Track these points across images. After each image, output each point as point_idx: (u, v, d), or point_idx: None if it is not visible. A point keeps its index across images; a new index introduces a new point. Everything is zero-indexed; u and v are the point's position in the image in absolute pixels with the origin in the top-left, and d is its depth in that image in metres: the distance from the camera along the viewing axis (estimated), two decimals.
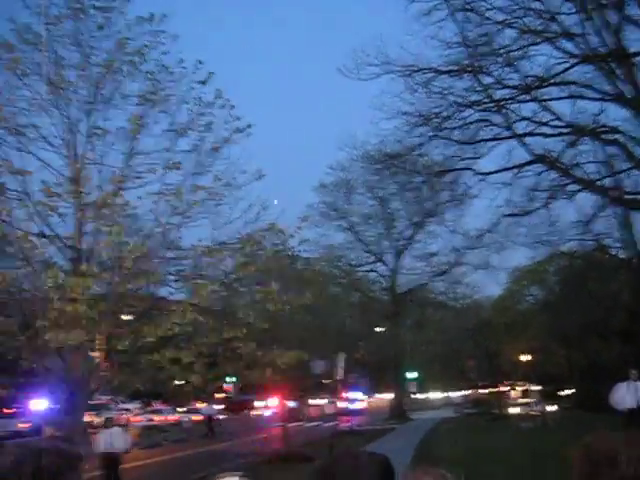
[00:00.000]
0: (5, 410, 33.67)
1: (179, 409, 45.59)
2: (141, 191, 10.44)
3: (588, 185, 31.31)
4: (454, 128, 30.72)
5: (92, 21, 10.44)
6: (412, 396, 72.01)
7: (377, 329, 44.75)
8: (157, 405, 43.41)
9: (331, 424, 25.17)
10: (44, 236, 9.78)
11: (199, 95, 10.57)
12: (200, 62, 10.54)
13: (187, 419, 42.21)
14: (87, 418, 11.21)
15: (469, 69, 29.69)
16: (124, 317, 11.67)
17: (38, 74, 10.09)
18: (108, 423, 16.09)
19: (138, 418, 38.68)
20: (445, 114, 30.21)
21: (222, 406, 50.58)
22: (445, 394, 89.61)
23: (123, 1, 10.44)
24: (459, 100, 30.31)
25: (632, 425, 14.77)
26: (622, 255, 39.14)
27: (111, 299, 9.97)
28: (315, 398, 68.56)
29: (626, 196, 31.69)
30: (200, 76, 10.54)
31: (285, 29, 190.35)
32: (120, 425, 20.36)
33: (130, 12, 10.58)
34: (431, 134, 30.42)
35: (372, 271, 50.59)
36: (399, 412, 48.62)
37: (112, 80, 10.46)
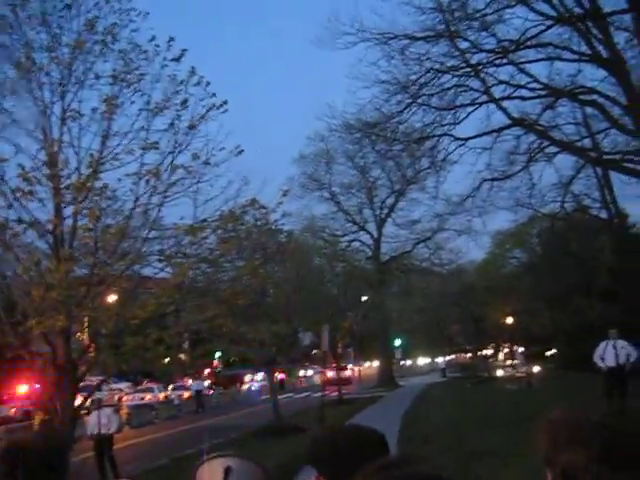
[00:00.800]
0: None
1: (169, 387, 45.75)
2: (119, 172, 10.36)
3: (567, 146, 31.44)
4: (432, 94, 30.64)
5: (59, 0, 10.26)
6: (399, 363, 72.82)
7: (363, 298, 45.02)
8: (147, 384, 43.50)
9: (320, 394, 25.39)
10: (22, 222, 9.70)
11: (173, 73, 10.45)
12: (172, 39, 10.41)
13: (177, 396, 42.39)
14: (78, 400, 11.23)
15: (445, 34, 29.54)
16: (108, 299, 11.66)
17: (6, 57, 9.94)
18: (97, 404, 16.15)
19: (129, 397, 38.82)
20: (422, 80, 30.09)
21: (210, 381, 50.87)
22: (432, 359, 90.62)
23: None
24: (436, 66, 30.18)
25: (612, 382, 15.08)
26: (603, 215, 39.52)
27: (93, 282, 9.94)
28: (304, 369, 69.15)
29: (605, 156, 31.89)
30: (173, 53, 10.42)
31: (256, 6, 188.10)
32: (111, 406, 20.45)
33: None
34: (409, 101, 30.32)
35: (355, 240, 50.82)
36: (387, 379, 49.13)
37: (84, 61, 10.31)
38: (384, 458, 1.42)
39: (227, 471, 1.98)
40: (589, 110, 31.81)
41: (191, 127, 10.45)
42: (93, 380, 17.09)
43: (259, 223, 13.67)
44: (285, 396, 41.95)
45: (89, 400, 12.67)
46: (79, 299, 9.62)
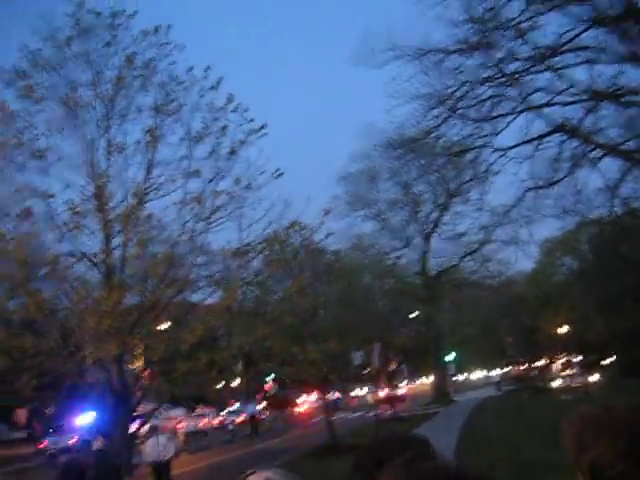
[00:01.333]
0: (53, 427, 34.34)
1: (223, 411, 46.02)
2: (164, 201, 10.61)
3: (611, 150, 30.95)
4: (469, 107, 30.57)
5: (100, 39, 10.60)
6: (452, 378, 71.96)
7: (413, 314, 44.74)
8: (201, 409, 43.84)
9: (373, 413, 25.27)
10: (74, 255, 9.99)
11: (211, 101, 10.68)
12: (208, 68, 10.66)
13: (231, 421, 42.60)
14: (134, 427, 11.43)
15: (479, 45, 29.49)
16: (160, 326, 11.88)
17: (53, 97, 10.29)
18: (153, 431, 16.37)
19: (184, 424, 39.17)
20: (459, 93, 30.07)
21: (264, 404, 50.99)
22: (485, 373, 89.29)
23: (128, 17, 10.57)
24: (471, 78, 30.16)
25: None
26: None
27: (144, 309, 10.14)
28: (356, 389, 68.83)
29: None
30: (210, 82, 10.65)
31: (294, 29, 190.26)
32: (166, 432, 20.68)
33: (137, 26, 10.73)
34: (447, 115, 30.31)
35: (402, 257, 50.58)
36: (441, 395, 48.56)
37: (125, 95, 10.62)
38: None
39: None
40: (632, 111, 31.28)
41: (232, 153, 10.66)
42: (148, 408, 17.37)
43: (305, 243, 13.80)
44: (339, 417, 41.83)
45: (145, 427, 12.86)
46: (131, 326, 9.83)
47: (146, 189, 10.31)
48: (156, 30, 10.63)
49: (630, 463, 1.31)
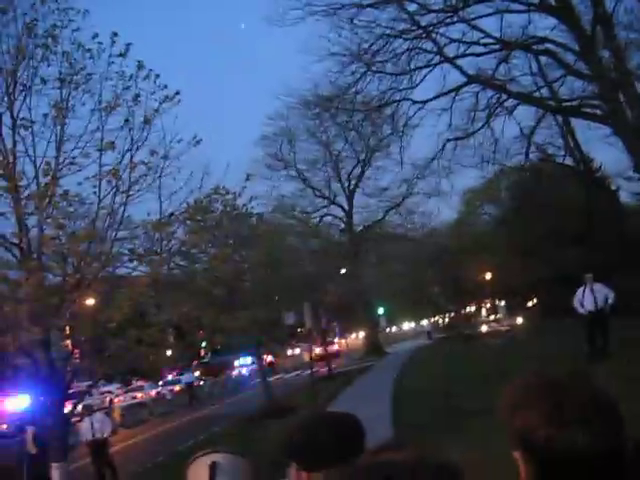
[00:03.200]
0: None
1: (159, 383, 45.69)
2: (79, 176, 10.19)
3: (525, 98, 31.60)
4: (386, 61, 30.61)
5: None
6: (385, 330, 73.38)
7: (341, 271, 45.16)
8: (137, 382, 43.39)
9: (309, 371, 25.55)
10: None
11: (120, 69, 10.26)
12: (115, 34, 10.20)
13: (168, 391, 42.37)
14: (67, 408, 11.16)
15: None
16: (85, 305, 11.55)
17: None
18: (90, 409, 16.11)
19: (120, 398, 38.72)
20: (375, 48, 30.05)
21: (199, 372, 50.90)
22: (417, 324, 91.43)
23: None
24: (387, 32, 30.14)
25: (593, 326, 15.33)
26: (568, 162, 39.87)
27: (66, 290, 9.82)
28: (291, 348, 69.37)
29: (563, 103, 32.10)
30: (117, 49, 10.21)
31: None
32: (102, 409, 20.42)
33: None
34: (363, 70, 30.30)
35: (327, 215, 50.83)
36: (374, 348, 49.49)
37: (27, 66, 10.08)
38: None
39: (213, 467, 1.99)
40: (543, 59, 31.91)
41: (146, 122, 10.29)
42: (81, 386, 17.01)
43: (227, 210, 13.61)
44: (276, 377, 42.16)
45: (79, 406, 12.58)
46: (54, 309, 9.50)
47: (59, 165, 9.87)
48: None
49: (554, 428, 1.32)
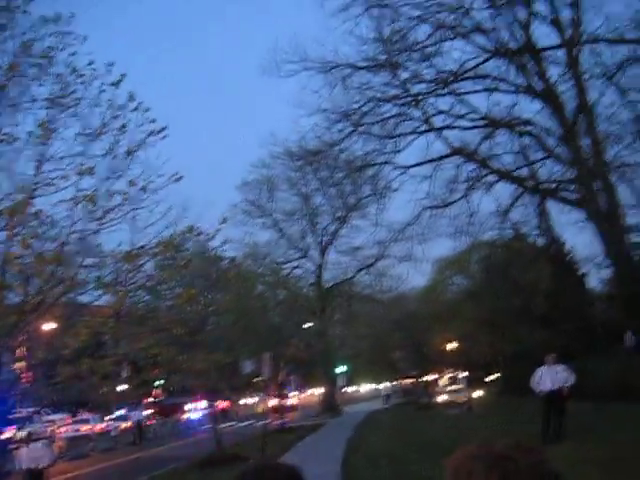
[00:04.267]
0: None
1: (107, 417, 44.56)
2: (55, 197, 10.11)
3: (505, 175, 32.28)
4: (373, 123, 31.20)
5: None
6: (343, 389, 72.71)
7: (306, 325, 44.90)
8: (84, 414, 42.26)
9: (263, 422, 25.12)
10: None
11: (111, 98, 10.29)
12: (111, 64, 10.27)
13: (115, 427, 41.33)
14: (8, 434, 10.81)
15: (386, 64, 30.17)
16: (42, 328, 11.33)
17: None
18: (30, 437, 15.62)
19: (64, 429, 37.63)
20: (364, 109, 30.64)
21: (151, 411, 49.79)
22: (375, 386, 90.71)
23: (26, 1, 10.05)
24: (377, 95, 30.81)
25: (550, 407, 15.33)
26: (540, 242, 40.47)
27: (25, 310, 9.63)
28: (246, 397, 68.37)
29: (541, 185, 32.81)
30: (112, 78, 10.27)
31: (203, 31, 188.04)
32: (43, 438, 19.79)
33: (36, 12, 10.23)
34: (351, 129, 30.83)
35: (298, 267, 50.78)
36: (330, 406, 48.94)
37: (18, 83, 10.07)
38: None
39: None
40: (526, 140, 32.75)
41: (129, 153, 10.28)
42: (25, 412, 16.56)
43: (200, 250, 13.57)
44: (228, 425, 41.36)
45: (21, 432, 12.22)
46: (10, 328, 9.30)
47: (35, 184, 9.79)
48: (57, 18, 10.14)
49: None
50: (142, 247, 10.62)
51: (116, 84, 10.37)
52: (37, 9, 10.25)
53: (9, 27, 10.13)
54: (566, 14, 28.74)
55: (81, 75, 10.25)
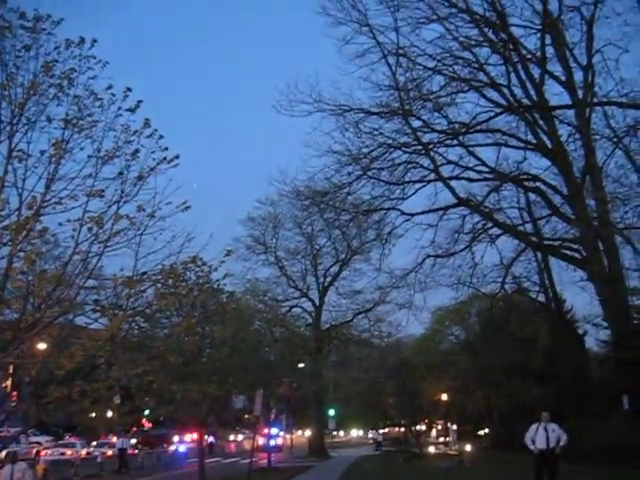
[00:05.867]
0: None
1: (93, 443, 43.98)
2: (62, 217, 10.14)
3: (509, 229, 32.35)
4: (382, 168, 31.39)
5: (19, 41, 10.18)
6: (332, 433, 71.84)
7: (300, 365, 44.56)
8: (69, 438, 41.71)
9: (248, 460, 24.76)
10: None
11: (126, 123, 10.39)
12: (129, 89, 10.39)
13: (100, 453, 40.74)
14: None
15: (399, 112, 30.48)
16: (37, 347, 11.27)
17: None
18: (12, 458, 15.37)
19: (48, 452, 37.10)
20: (374, 154, 30.84)
21: (136, 440, 49.11)
22: (366, 432, 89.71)
23: (52, 23, 10.22)
24: (388, 141, 31.05)
25: (543, 465, 15.14)
26: (541, 298, 40.37)
27: (21, 327, 9.58)
28: (235, 433, 67.57)
29: (545, 242, 32.85)
30: (128, 103, 10.38)
31: (218, 65, 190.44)
32: (27, 460, 19.53)
33: (60, 35, 10.40)
34: (359, 173, 31.00)
35: (297, 306, 50.62)
36: (319, 449, 48.33)
37: (37, 102, 10.18)
38: None
39: None
40: (532, 196, 32.93)
41: (139, 178, 10.35)
42: (9, 432, 16.35)
43: (200, 281, 13.54)
44: (213, 460, 40.80)
45: (2, 452, 12.06)
46: (4, 344, 9.25)
47: (44, 202, 9.83)
48: (81, 41, 10.30)
49: None
50: (144, 273, 10.61)
51: (133, 110, 10.48)
52: (61, 32, 10.43)
53: (33, 47, 10.29)
54: (579, 75, 29.13)
55: (99, 99, 10.37)
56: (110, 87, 10.33)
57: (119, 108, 10.38)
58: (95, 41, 10.44)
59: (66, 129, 10.13)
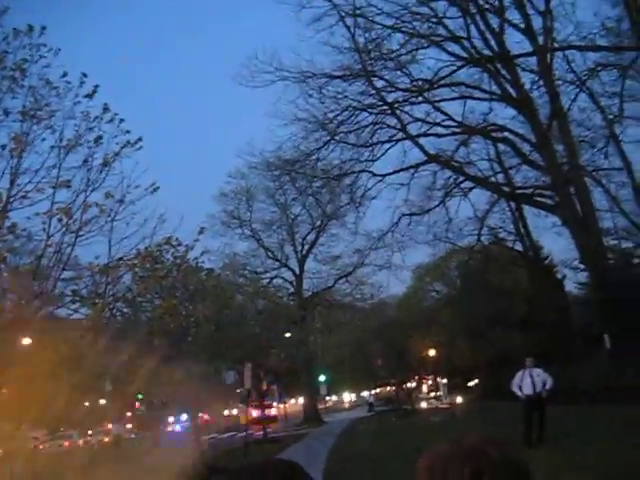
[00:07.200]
0: None
1: (89, 431, 44.10)
2: (30, 211, 10.03)
3: (481, 182, 32.54)
4: (350, 132, 31.31)
5: None
6: (325, 399, 72.59)
7: (286, 335, 44.77)
8: (65, 430, 41.78)
9: (245, 434, 24.99)
10: None
11: (85, 109, 10.26)
12: (84, 75, 10.25)
13: (97, 441, 40.92)
14: None
15: (361, 73, 30.32)
16: (20, 343, 11.22)
17: None
18: (11, 455, 15.40)
19: (46, 445, 37.12)
20: (340, 118, 30.75)
21: (131, 424, 49.35)
22: (357, 394, 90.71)
23: None
24: (353, 104, 30.92)
25: (531, 410, 15.42)
26: (518, 247, 40.81)
27: (2, 326, 9.53)
28: (228, 408, 68.02)
29: (517, 191, 33.10)
30: (85, 90, 10.24)
31: (177, 41, 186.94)
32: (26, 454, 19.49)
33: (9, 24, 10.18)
34: (327, 139, 30.91)
35: (277, 277, 50.69)
36: (313, 416, 48.82)
37: None
38: None
39: None
40: (501, 147, 33.06)
41: (105, 164, 10.26)
42: (4, 429, 16.32)
43: (178, 261, 13.50)
44: (210, 437, 41.12)
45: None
46: None
47: (10, 197, 9.71)
48: (30, 30, 10.10)
49: None
50: (120, 259, 10.58)
51: (90, 96, 10.34)
52: (9, 21, 10.22)
53: None
54: (538, 22, 29.08)
55: (55, 87, 10.22)
56: (65, 75, 10.18)
57: (77, 95, 10.25)
58: (44, 28, 10.26)
59: (24, 121, 10.00)
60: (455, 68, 30.47)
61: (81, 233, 10.10)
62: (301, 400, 64.68)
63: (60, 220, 9.99)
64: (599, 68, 27.38)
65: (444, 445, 1.50)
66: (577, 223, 27.58)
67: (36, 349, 10.32)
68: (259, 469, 1.90)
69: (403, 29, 30.37)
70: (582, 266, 32.72)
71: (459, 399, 45.52)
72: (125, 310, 12.25)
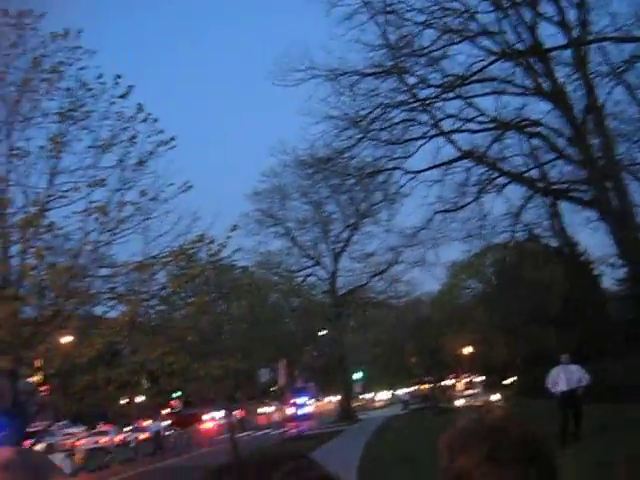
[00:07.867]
0: None
1: (125, 428, 44.67)
2: (67, 210, 10.26)
3: (515, 177, 32.15)
4: (382, 129, 31.17)
5: (5, 39, 10.22)
6: (359, 396, 72.58)
7: (320, 333, 44.90)
8: (102, 426, 42.40)
9: (279, 431, 25.13)
10: None
11: (120, 110, 10.45)
12: (119, 76, 10.44)
13: (134, 438, 41.43)
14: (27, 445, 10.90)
15: (393, 70, 30.19)
16: (59, 340, 11.45)
17: None
18: (50, 449, 15.78)
19: (83, 441, 37.76)
20: (372, 116, 30.63)
21: (169, 422, 49.86)
22: (392, 392, 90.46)
23: (36, 18, 10.24)
24: (385, 101, 30.79)
25: (566, 407, 15.27)
26: (553, 243, 40.29)
27: (41, 322, 9.76)
28: (263, 406, 68.37)
29: (552, 186, 32.67)
30: (120, 90, 10.43)
31: (209, 41, 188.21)
32: (63, 450, 19.97)
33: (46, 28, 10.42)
34: (360, 136, 30.81)
35: (311, 275, 50.81)
36: (347, 413, 48.85)
37: (30, 99, 10.25)
38: None
39: None
40: (536, 142, 32.59)
41: (139, 164, 10.44)
42: (44, 424, 16.69)
43: (211, 259, 13.64)
44: (245, 434, 41.42)
45: (40, 444, 12.34)
46: (26, 340, 9.43)
47: (48, 197, 9.94)
48: (66, 33, 10.32)
49: (491, 467, 1.36)
50: (154, 257, 10.74)
51: (124, 96, 10.53)
52: (47, 26, 10.45)
53: (20, 44, 10.32)
54: (572, 14, 28.67)
55: (90, 89, 10.43)
56: (100, 76, 10.38)
57: (111, 96, 10.45)
58: (80, 32, 10.47)
59: (61, 122, 10.22)
60: (487, 63, 30.17)
61: (117, 231, 10.29)
62: (335, 398, 64.77)
63: (97, 219, 10.19)
64: (635, 60, 26.89)
65: (463, 422, 1.53)
66: (614, 218, 27.16)
67: (74, 345, 10.54)
68: (270, 460, 1.94)
69: (434, 25, 30.17)
70: (620, 262, 32.20)
71: (495, 397, 45.16)
72: (159, 308, 12.40)
